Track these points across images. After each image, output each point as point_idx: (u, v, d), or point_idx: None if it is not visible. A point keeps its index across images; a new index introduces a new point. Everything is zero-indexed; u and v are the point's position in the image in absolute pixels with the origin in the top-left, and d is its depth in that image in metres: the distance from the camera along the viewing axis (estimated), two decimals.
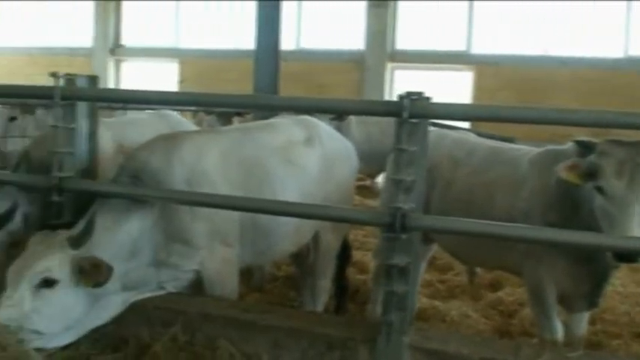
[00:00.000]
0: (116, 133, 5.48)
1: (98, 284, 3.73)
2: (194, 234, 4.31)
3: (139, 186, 4.23)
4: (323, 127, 5.51)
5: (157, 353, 3.93)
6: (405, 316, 3.61)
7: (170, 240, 4.25)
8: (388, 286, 3.60)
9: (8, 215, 4.26)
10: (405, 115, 3.42)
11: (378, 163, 11.28)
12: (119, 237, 4.06)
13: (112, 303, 4.04)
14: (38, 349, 3.65)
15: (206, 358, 3.89)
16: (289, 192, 4.76)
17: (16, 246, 4.17)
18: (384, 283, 3.69)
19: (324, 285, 5.59)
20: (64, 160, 4.29)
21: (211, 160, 4.51)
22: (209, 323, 4.00)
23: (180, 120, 6.49)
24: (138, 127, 5.85)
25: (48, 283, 3.70)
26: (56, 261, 3.73)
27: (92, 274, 3.71)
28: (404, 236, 3.52)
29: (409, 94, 3.44)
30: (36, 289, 3.68)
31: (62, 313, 3.76)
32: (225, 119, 10.33)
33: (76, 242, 3.76)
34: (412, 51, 18.66)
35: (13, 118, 8.31)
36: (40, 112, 8.10)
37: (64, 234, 3.84)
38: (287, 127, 5.25)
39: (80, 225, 3.85)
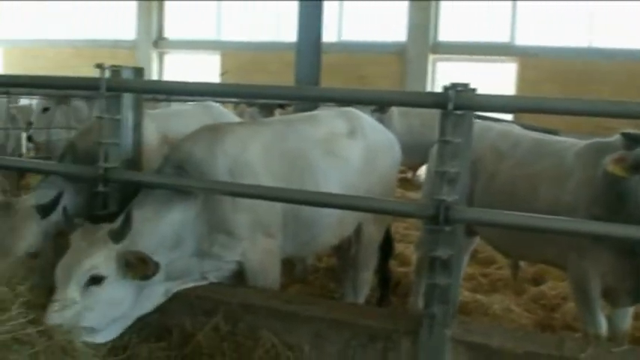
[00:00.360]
0: (160, 124, 5.52)
1: (145, 277, 3.77)
2: (236, 225, 4.32)
3: (182, 177, 4.26)
4: (366, 119, 5.49)
5: (199, 342, 3.97)
6: (447, 308, 3.58)
7: (213, 231, 4.27)
8: (431, 279, 3.58)
9: (54, 205, 4.31)
10: (450, 106, 3.40)
11: (419, 156, 11.24)
12: (162, 228, 4.09)
13: (156, 292, 4.07)
14: None
15: (248, 349, 3.91)
16: (331, 184, 4.76)
17: (62, 235, 4.21)
18: (427, 276, 3.67)
19: (366, 277, 5.58)
20: (110, 150, 4.33)
21: (254, 151, 4.52)
22: (251, 314, 4.01)
23: (223, 112, 6.51)
24: (182, 119, 5.88)
25: (96, 280, 3.72)
26: (102, 258, 3.74)
27: (139, 267, 3.74)
28: (447, 229, 3.50)
29: (454, 86, 3.41)
30: (84, 288, 3.71)
31: (112, 307, 3.79)
32: (267, 111, 10.36)
33: (118, 236, 3.77)
34: (454, 42, 18.55)
35: (46, 109, 8.43)
36: (78, 103, 8.19)
37: (104, 228, 3.86)
38: (329, 119, 5.24)
39: (120, 218, 3.88)
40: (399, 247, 7.23)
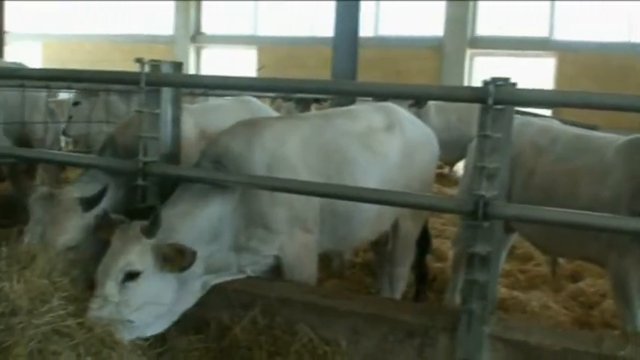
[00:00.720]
0: (198, 119, 5.53)
1: (183, 268, 3.78)
2: (274, 219, 4.33)
3: (220, 171, 4.28)
4: (404, 113, 5.46)
5: (237, 336, 3.99)
6: (486, 305, 3.56)
7: (250, 225, 4.29)
8: (469, 275, 3.55)
9: (98, 198, 4.34)
10: (490, 101, 3.36)
11: (456, 151, 11.21)
12: (200, 221, 4.11)
13: (197, 286, 4.09)
14: None
15: (285, 342, 3.91)
16: (369, 179, 4.74)
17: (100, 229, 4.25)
18: (465, 272, 3.65)
19: (403, 272, 5.57)
20: (149, 144, 4.36)
21: (292, 146, 4.52)
22: (288, 308, 4.03)
23: (261, 106, 6.51)
24: (219, 113, 5.89)
25: (132, 276, 3.74)
26: (135, 254, 3.76)
27: (176, 259, 3.75)
28: (486, 224, 3.47)
29: (494, 80, 3.38)
30: (121, 285, 3.73)
31: (151, 302, 3.79)
32: (304, 106, 10.36)
33: (149, 231, 3.79)
34: (492, 37, 18.44)
35: (76, 103, 8.51)
36: (113, 97, 8.27)
37: (137, 225, 3.88)
38: (367, 114, 5.22)
39: (153, 217, 3.87)
40: (435, 243, 7.20)
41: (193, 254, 3.75)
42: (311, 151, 4.59)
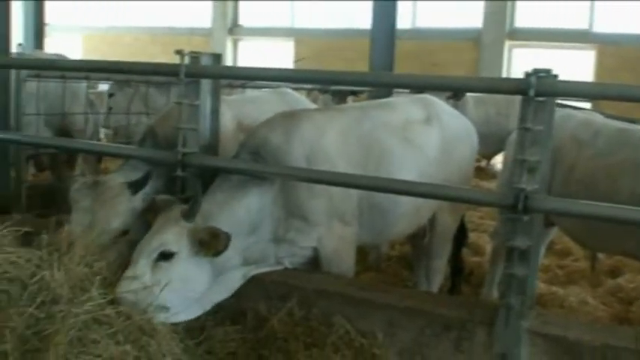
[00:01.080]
0: (235, 110, 5.55)
1: (217, 253, 3.80)
2: (312, 211, 4.34)
3: (259, 163, 4.30)
4: (442, 105, 5.42)
5: (273, 327, 4.01)
6: (524, 299, 3.53)
7: (289, 216, 4.30)
8: (508, 269, 3.53)
9: (144, 181, 4.40)
10: (532, 92, 3.32)
11: (494, 145, 11.14)
12: (238, 212, 4.13)
13: (234, 277, 4.12)
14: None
15: (321, 334, 3.92)
16: (407, 172, 4.72)
17: (149, 212, 4.31)
18: (504, 266, 3.62)
19: (440, 266, 5.55)
20: (188, 136, 4.39)
21: (331, 138, 4.52)
22: (325, 299, 4.03)
23: (297, 98, 6.52)
24: (256, 105, 5.91)
25: (165, 256, 3.78)
26: (171, 234, 3.81)
27: (211, 243, 3.78)
28: (526, 218, 3.44)
29: (536, 72, 3.34)
30: (154, 263, 3.77)
31: (184, 285, 3.83)
32: (340, 98, 10.34)
33: (189, 215, 3.83)
34: (531, 29, 18.21)
35: (111, 95, 8.60)
36: (151, 90, 8.33)
37: (179, 208, 3.93)
38: (406, 106, 5.19)
39: (193, 200, 3.91)
40: (472, 237, 7.18)
41: (227, 237, 3.77)
42: (349, 143, 4.59)
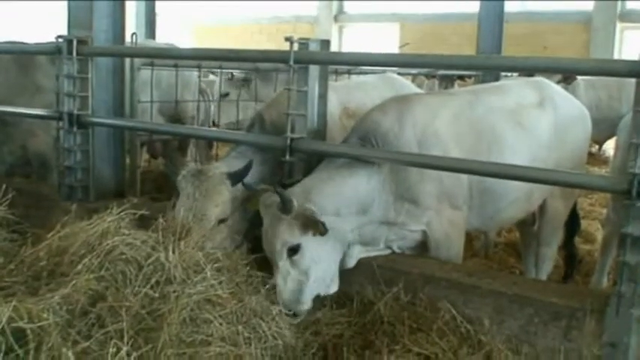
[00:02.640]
0: (342, 96, 5.59)
1: (321, 233, 3.91)
2: (422, 194, 4.34)
3: (367, 147, 4.32)
4: (556, 89, 5.30)
5: (379, 311, 4.03)
6: (636, 288, 3.42)
7: (399, 199, 4.32)
8: (620, 257, 3.43)
9: (244, 172, 4.49)
10: None
11: (605, 130, 10.81)
12: (344, 190, 4.17)
13: (356, 252, 4.25)
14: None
15: (427, 319, 3.92)
16: (519, 156, 4.65)
17: (249, 201, 4.41)
18: (616, 253, 3.52)
19: (550, 253, 5.44)
20: (296, 121, 4.45)
21: (443, 121, 4.50)
22: (431, 285, 4.03)
23: (404, 83, 6.49)
24: (362, 91, 5.92)
25: (293, 251, 3.94)
26: (285, 232, 3.93)
27: (312, 225, 3.91)
28: (639, 204, 3.33)
29: None
30: (290, 261, 3.95)
31: (321, 263, 4.02)
32: (447, 83, 10.24)
33: (285, 210, 3.91)
34: None
35: (225, 95, 8.78)
36: (257, 82, 8.48)
37: (275, 200, 3.99)
38: (518, 90, 5.11)
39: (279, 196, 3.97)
40: (582, 224, 6.99)
41: (323, 224, 3.87)
42: (461, 127, 4.55)
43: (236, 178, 4.47)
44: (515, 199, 4.77)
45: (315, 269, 3.98)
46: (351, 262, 4.24)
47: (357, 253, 4.26)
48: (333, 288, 4.13)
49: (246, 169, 4.48)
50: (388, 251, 4.42)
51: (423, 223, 4.41)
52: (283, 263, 3.95)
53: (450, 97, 4.92)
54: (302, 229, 3.93)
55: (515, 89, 5.13)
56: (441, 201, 4.39)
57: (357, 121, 4.66)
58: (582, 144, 5.35)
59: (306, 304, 3.98)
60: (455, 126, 4.52)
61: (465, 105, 4.72)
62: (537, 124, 4.90)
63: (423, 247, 4.50)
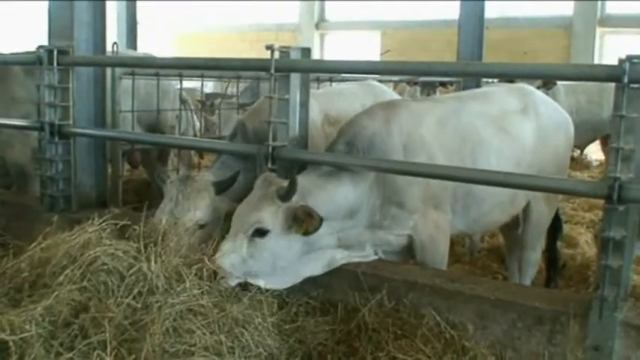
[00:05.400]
0: (323, 104, 5.60)
1: (307, 232, 3.91)
2: (409, 197, 4.36)
3: (352, 152, 4.33)
4: (539, 95, 5.39)
5: (363, 318, 4.02)
6: (619, 291, 3.44)
7: (386, 203, 4.33)
8: (603, 260, 3.45)
9: (230, 183, 4.50)
10: (626, 79, 3.25)
11: (586, 134, 10.87)
12: (335, 194, 4.18)
13: (326, 256, 4.20)
14: None
15: (412, 326, 3.92)
16: (504, 161, 4.70)
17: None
18: (599, 257, 3.54)
19: (534, 257, 5.49)
20: (278, 129, 4.45)
21: (429, 127, 4.54)
22: (415, 291, 4.03)
23: (384, 90, 6.51)
24: (344, 98, 5.94)
25: (260, 232, 3.92)
26: (267, 213, 3.93)
27: (305, 222, 3.88)
28: (621, 208, 3.36)
29: (630, 58, 3.25)
30: (250, 238, 3.92)
31: (273, 258, 3.98)
32: (429, 90, 10.27)
33: (285, 196, 3.92)
34: (624, 15, 17.65)
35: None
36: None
37: (275, 185, 4.01)
38: (501, 96, 5.18)
39: (290, 182, 3.98)
40: (565, 228, 7.02)
41: (320, 220, 3.86)
42: (446, 132, 4.60)
43: (221, 186, 4.49)
44: (499, 203, 4.82)
45: (267, 261, 3.96)
46: (327, 265, 4.21)
47: (340, 258, 4.25)
48: (271, 285, 4.04)
49: (232, 179, 4.49)
50: (374, 257, 4.42)
51: (408, 227, 4.43)
52: (242, 237, 3.92)
53: (435, 103, 4.97)
54: (283, 222, 3.93)
55: (498, 96, 5.19)
56: (427, 204, 4.42)
57: (342, 126, 4.67)
58: (565, 149, 5.43)
59: (232, 281, 3.91)
60: (440, 131, 4.57)
61: (451, 111, 4.77)
62: (521, 130, 4.97)
63: (408, 252, 4.51)
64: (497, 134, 4.81)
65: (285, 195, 3.91)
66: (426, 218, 4.43)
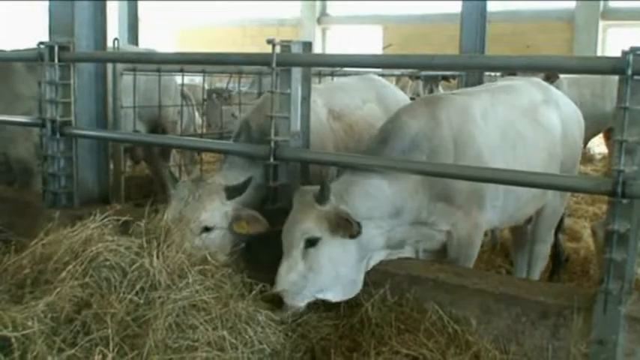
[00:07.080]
0: (326, 98, 5.58)
1: (352, 236, 3.85)
2: (457, 192, 4.29)
3: (385, 153, 4.25)
4: (554, 89, 5.41)
5: (367, 312, 4.01)
6: (623, 285, 3.43)
7: (433, 199, 4.27)
8: (607, 254, 3.44)
9: (243, 188, 4.45)
10: (629, 71, 3.23)
11: (589, 127, 10.82)
12: (369, 191, 4.10)
13: (378, 258, 4.18)
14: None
15: (414, 320, 3.91)
16: (539, 153, 4.74)
17: (238, 221, 4.39)
18: (603, 250, 3.52)
19: (545, 251, 5.51)
20: (280, 124, 4.43)
21: (475, 121, 4.49)
22: (418, 285, 4.02)
23: (385, 84, 6.47)
24: (346, 92, 5.91)
25: (311, 242, 3.87)
26: (310, 221, 3.87)
27: (345, 227, 3.84)
28: (624, 201, 3.34)
29: (633, 50, 3.23)
30: (304, 251, 3.88)
31: (333, 264, 3.91)
32: (431, 84, 10.25)
33: (320, 199, 3.87)
34: (627, 8, 17.61)
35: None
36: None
37: (311, 191, 3.97)
38: (527, 88, 5.19)
39: (322, 185, 3.93)
40: (568, 222, 7.04)
41: (358, 225, 3.82)
42: (488, 126, 4.55)
43: (233, 192, 4.43)
44: (533, 197, 4.85)
45: (327, 270, 3.90)
46: (370, 265, 4.16)
47: (379, 258, 4.20)
48: (339, 296, 4.02)
49: (245, 185, 4.45)
50: (412, 255, 4.40)
51: (449, 224, 4.37)
52: (296, 253, 3.87)
53: (472, 97, 4.84)
54: (329, 226, 3.88)
55: (524, 88, 5.19)
56: (470, 201, 4.36)
57: (384, 123, 4.59)
58: (579, 142, 5.50)
59: (300, 301, 3.90)
60: (484, 125, 4.52)
61: (487, 105, 4.72)
62: (550, 121, 5.00)
63: (443, 249, 4.50)
64: (531, 126, 4.81)
65: (321, 197, 3.87)
66: (467, 216, 4.37)
